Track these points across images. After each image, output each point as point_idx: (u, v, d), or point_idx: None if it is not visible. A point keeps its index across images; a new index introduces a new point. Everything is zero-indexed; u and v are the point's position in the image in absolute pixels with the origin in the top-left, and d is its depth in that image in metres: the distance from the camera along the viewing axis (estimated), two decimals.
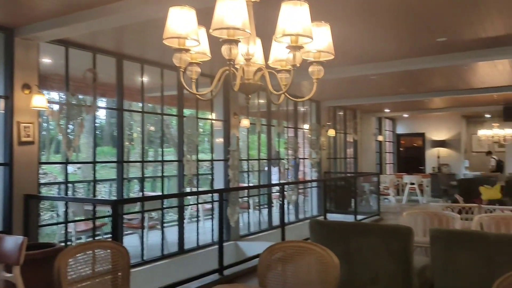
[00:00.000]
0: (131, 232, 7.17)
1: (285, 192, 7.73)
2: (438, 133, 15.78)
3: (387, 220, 10.54)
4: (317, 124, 10.31)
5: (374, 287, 3.13)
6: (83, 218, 5.88)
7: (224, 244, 7.97)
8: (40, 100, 4.76)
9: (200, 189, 8.10)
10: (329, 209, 11.03)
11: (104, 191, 12.95)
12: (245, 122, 8.24)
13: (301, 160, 10.51)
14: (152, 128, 12.87)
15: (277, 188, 9.38)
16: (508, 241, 2.76)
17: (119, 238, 4.17)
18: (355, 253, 3.11)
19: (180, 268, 6.23)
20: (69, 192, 7.37)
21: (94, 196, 6.28)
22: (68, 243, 5.73)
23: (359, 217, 9.63)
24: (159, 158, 7.32)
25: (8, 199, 4.74)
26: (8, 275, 3.53)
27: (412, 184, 13.77)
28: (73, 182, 7.92)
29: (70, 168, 8.83)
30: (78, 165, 13.47)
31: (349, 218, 9.12)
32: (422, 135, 16.21)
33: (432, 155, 15.85)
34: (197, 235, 7.49)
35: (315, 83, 1.96)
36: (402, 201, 13.51)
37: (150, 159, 11.22)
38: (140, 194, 7.84)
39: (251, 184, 8.98)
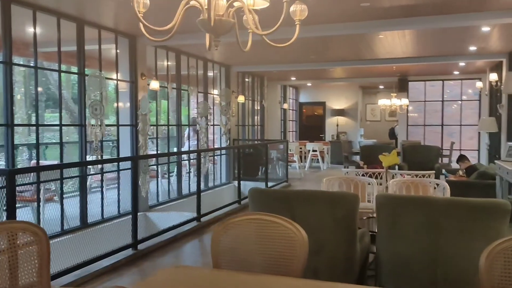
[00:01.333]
0: (22, 205, 6.27)
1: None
2: (338, 102, 16.45)
3: (295, 186, 10.75)
4: (227, 89, 9.96)
5: (319, 256, 2.97)
6: None
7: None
8: None
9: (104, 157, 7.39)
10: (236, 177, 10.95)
11: None
12: (154, 85, 7.60)
13: (210, 126, 10.13)
14: (40, 88, 11.45)
15: (189, 155, 8.99)
16: (454, 205, 2.75)
17: (14, 214, 3.47)
18: (300, 223, 2.84)
19: (85, 245, 5.59)
20: None
21: None
22: None
23: (270, 183, 9.64)
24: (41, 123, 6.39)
25: None
26: None
27: (314, 151, 14.24)
28: None
29: None
30: None
31: (259, 184, 9.05)
32: (323, 104, 16.77)
33: (332, 123, 16.53)
34: (102, 207, 6.83)
35: (297, 26, 1.62)
36: (305, 167, 13.91)
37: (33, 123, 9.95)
38: (32, 163, 6.89)
39: (159, 152, 8.41)
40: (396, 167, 8.99)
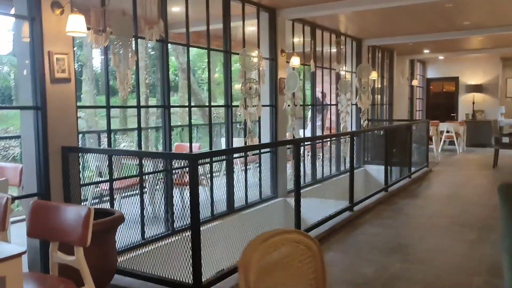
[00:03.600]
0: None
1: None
2: (474, 76, 14.65)
3: (437, 172, 9.66)
4: (367, 64, 9.09)
5: None
6: (127, 176, 4.83)
7: (272, 201, 7.12)
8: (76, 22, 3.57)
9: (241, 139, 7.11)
10: (367, 161, 10.15)
11: (123, 143, 11.89)
12: (295, 61, 7.08)
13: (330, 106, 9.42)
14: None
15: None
16: None
17: (195, 199, 3.14)
18: None
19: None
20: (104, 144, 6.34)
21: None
22: (105, 204, 4.75)
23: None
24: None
25: (43, 152, 3.68)
26: (69, 258, 2.55)
27: (448, 132, 12.84)
28: (115, 131, 6.79)
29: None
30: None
31: (395, 170, 8.11)
32: (455, 79, 15.07)
33: (466, 101, 14.81)
34: (246, 191, 6.54)
35: None
36: (438, 150, 12.60)
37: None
38: (177, 145, 6.81)
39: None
40: None
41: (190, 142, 5.34)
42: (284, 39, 7.16)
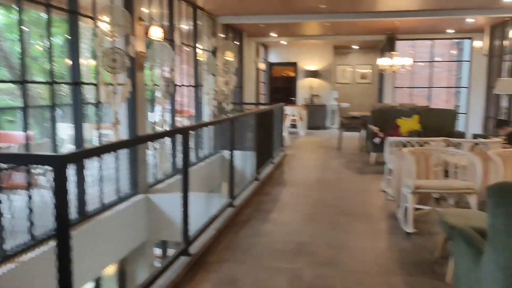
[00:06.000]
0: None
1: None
2: (311, 62, 15.37)
3: (293, 155, 9.64)
4: (231, 42, 8.39)
5: None
6: None
7: (132, 200, 5.93)
8: None
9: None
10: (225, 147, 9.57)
11: None
12: (155, 32, 5.93)
13: (187, 87, 8.55)
14: None
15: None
16: None
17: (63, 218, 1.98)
18: None
19: None
20: None
21: None
22: None
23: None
24: None
25: None
26: None
27: (294, 116, 13.19)
28: None
29: None
30: None
31: (248, 154, 7.66)
32: (294, 64, 15.60)
33: (304, 86, 15.48)
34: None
35: None
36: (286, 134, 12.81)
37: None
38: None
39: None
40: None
41: (26, 129, 3.86)
42: (142, 3, 5.95)
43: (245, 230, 4.59)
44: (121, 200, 5.65)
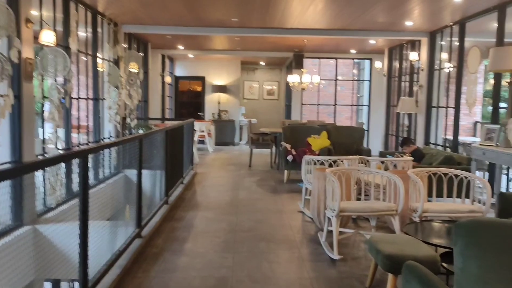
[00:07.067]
0: None
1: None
2: (219, 77, 15.07)
3: (206, 174, 9.14)
4: (137, 53, 7.68)
5: None
6: None
7: (16, 233, 4.97)
8: None
9: None
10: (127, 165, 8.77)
11: None
12: (47, 37, 5.11)
13: (83, 100, 7.70)
14: None
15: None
16: None
17: None
18: None
19: None
20: None
21: None
22: None
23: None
24: None
25: None
26: None
27: (202, 131, 12.71)
28: None
29: None
30: None
31: (153, 174, 7.10)
32: (202, 78, 15.17)
33: (212, 101, 15.10)
34: None
35: None
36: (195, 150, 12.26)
37: None
38: None
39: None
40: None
41: None
42: (31, 4, 5.11)
43: (157, 266, 4.00)
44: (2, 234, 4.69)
